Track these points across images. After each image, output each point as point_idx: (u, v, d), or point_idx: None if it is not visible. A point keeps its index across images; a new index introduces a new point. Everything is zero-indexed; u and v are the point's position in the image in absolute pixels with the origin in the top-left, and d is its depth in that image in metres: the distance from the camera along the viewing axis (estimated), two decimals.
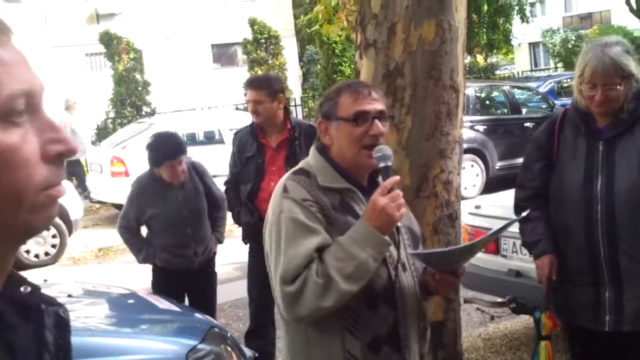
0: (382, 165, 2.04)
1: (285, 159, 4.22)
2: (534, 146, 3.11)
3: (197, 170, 4.59)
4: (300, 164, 2.21)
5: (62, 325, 1.02)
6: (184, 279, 4.48)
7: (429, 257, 2.17)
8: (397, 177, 2.02)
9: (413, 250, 2.22)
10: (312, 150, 2.21)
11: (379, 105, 2.12)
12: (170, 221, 4.41)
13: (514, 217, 2.92)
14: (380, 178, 2.13)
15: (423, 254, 2.18)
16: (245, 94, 4.32)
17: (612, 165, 2.87)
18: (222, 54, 27.17)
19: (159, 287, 4.50)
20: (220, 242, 4.62)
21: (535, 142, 3.12)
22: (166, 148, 4.36)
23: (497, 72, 33.14)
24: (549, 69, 32.87)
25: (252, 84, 4.25)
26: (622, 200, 2.84)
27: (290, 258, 2.00)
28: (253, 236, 4.39)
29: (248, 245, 4.46)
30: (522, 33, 31.21)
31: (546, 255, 2.99)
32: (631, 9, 26.66)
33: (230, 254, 4.55)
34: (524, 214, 2.31)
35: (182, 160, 4.39)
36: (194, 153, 10.38)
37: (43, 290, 1.00)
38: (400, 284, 2.12)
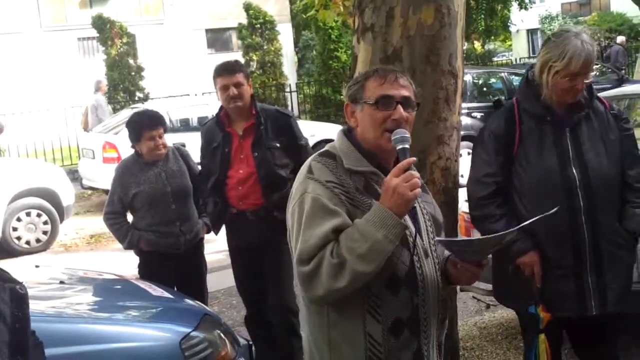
0: (399, 147, 2.07)
1: (251, 145, 4.16)
2: (492, 138, 3.02)
3: (181, 153, 4.62)
4: (327, 147, 2.22)
5: (19, 299, 1.06)
6: (172, 265, 4.44)
7: (452, 245, 2.18)
8: (412, 158, 2.04)
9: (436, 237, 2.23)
10: (339, 133, 2.25)
11: (404, 92, 2.15)
12: (155, 198, 4.38)
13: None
14: None
15: (446, 241, 2.19)
16: (216, 83, 4.18)
17: (581, 152, 2.93)
18: (217, 39, 26.98)
19: (146, 275, 4.43)
20: (209, 227, 4.58)
21: (493, 134, 3.03)
22: (145, 119, 4.47)
23: (495, 58, 33.09)
24: None
25: (229, 69, 4.18)
26: (599, 186, 2.90)
27: (307, 238, 2.03)
28: (219, 227, 4.39)
29: (226, 237, 4.43)
30: (520, 19, 31.10)
31: (531, 252, 2.97)
32: None
33: (223, 241, 4.52)
34: (555, 210, 2.29)
35: (162, 134, 4.40)
36: (187, 139, 10.34)
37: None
38: (422, 269, 2.13)
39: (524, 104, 3.00)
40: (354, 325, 2.09)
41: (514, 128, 2.97)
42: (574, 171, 2.90)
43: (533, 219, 2.18)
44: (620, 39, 21.09)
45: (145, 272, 4.49)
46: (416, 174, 2.01)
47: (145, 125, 4.38)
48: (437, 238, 2.19)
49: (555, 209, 2.37)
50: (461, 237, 2.36)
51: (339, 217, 2.03)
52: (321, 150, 2.21)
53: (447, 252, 2.26)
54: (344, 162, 2.13)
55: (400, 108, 2.11)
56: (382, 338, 2.09)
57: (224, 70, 4.17)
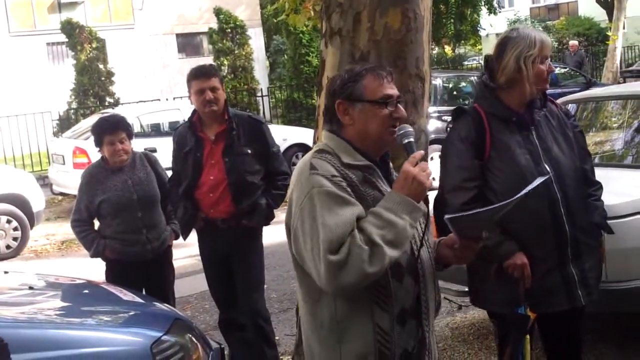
0: (406, 141, 2.20)
1: (222, 150, 4.16)
2: (466, 144, 3.02)
3: (149, 159, 4.59)
4: (319, 146, 2.26)
5: None
6: (138, 273, 4.42)
7: (460, 220, 2.26)
8: (422, 151, 2.17)
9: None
10: (327, 133, 2.28)
11: (396, 91, 2.27)
12: (121, 205, 4.36)
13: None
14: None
15: (456, 217, 2.26)
16: (191, 86, 4.17)
17: (548, 148, 3.04)
18: (187, 44, 26.91)
19: (112, 282, 4.38)
20: (177, 234, 4.56)
21: (467, 140, 3.03)
22: (106, 123, 4.43)
23: (465, 62, 33.36)
24: None
25: (205, 72, 4.17)
26: (569, 179, 3.02)
27: (332, 228, 2.03)
28: (188, 232, 4.40)
29: (197, 242, 4.44)
30: (489, 24, 31.42)
31: (518, 253, 2.96)
32: (598, 0, 26.98)
33: (196, 246, 4.53)
34: (547, 177, 2.47)
35: (124, 139, 4.37)
36: (158, 144, 10.28)
37: None
38: (420, 257, 2.23)
39: (489, 108, 3.07)
40: (362, 317, 2.14)
41: (483, 132, 3.03)
42: (547, 166, 2.99)
43: (530, 187, 2.34)
44: (572, 42, 21.68)
45: (111, 279, 4.46)
46: (427, 164, 2.14)
47: (105, 130, 4.36)
48: (446, 216, 2.23)
49: (547, 176, 2.53)
50: (468, 212, 2.43)
51: (357, 205, 2.09)
52: (316, 149, 2.25)
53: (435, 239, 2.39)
54: (341, 158, 2.18)
55: (400, 106, 2.23)
56: (390, 328, 2.15)
57: (201, 74, 4.16)
